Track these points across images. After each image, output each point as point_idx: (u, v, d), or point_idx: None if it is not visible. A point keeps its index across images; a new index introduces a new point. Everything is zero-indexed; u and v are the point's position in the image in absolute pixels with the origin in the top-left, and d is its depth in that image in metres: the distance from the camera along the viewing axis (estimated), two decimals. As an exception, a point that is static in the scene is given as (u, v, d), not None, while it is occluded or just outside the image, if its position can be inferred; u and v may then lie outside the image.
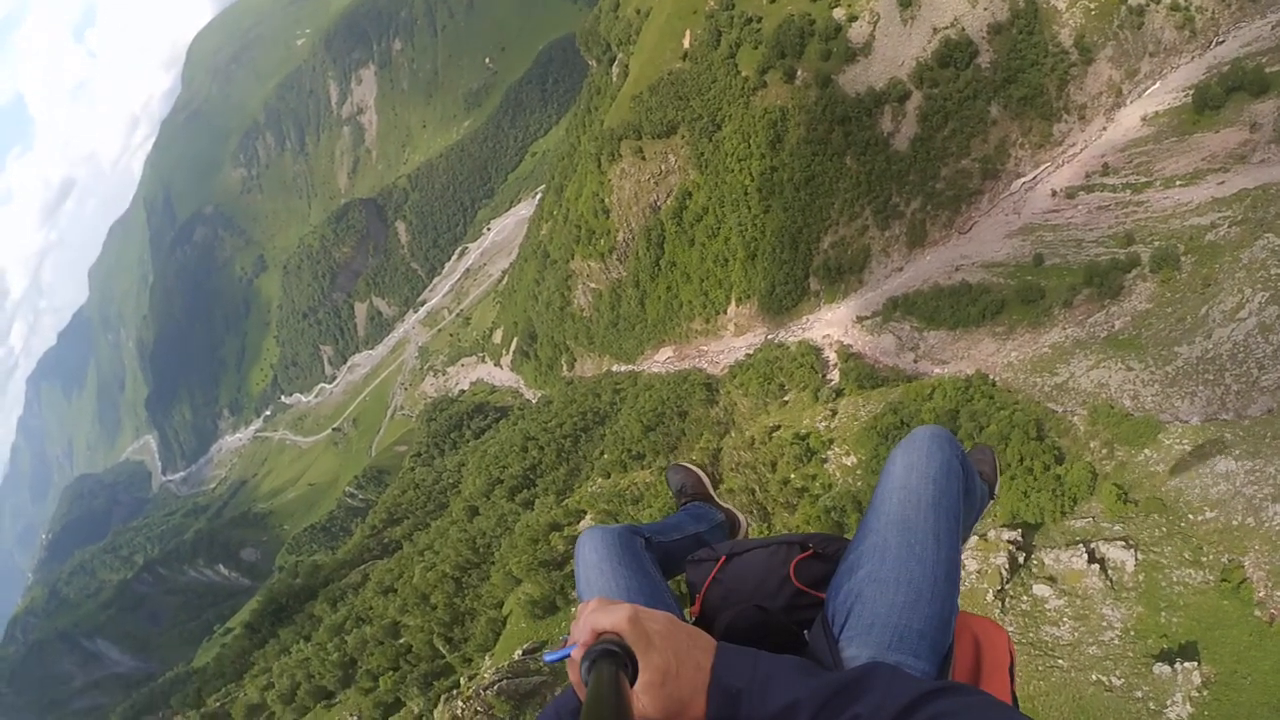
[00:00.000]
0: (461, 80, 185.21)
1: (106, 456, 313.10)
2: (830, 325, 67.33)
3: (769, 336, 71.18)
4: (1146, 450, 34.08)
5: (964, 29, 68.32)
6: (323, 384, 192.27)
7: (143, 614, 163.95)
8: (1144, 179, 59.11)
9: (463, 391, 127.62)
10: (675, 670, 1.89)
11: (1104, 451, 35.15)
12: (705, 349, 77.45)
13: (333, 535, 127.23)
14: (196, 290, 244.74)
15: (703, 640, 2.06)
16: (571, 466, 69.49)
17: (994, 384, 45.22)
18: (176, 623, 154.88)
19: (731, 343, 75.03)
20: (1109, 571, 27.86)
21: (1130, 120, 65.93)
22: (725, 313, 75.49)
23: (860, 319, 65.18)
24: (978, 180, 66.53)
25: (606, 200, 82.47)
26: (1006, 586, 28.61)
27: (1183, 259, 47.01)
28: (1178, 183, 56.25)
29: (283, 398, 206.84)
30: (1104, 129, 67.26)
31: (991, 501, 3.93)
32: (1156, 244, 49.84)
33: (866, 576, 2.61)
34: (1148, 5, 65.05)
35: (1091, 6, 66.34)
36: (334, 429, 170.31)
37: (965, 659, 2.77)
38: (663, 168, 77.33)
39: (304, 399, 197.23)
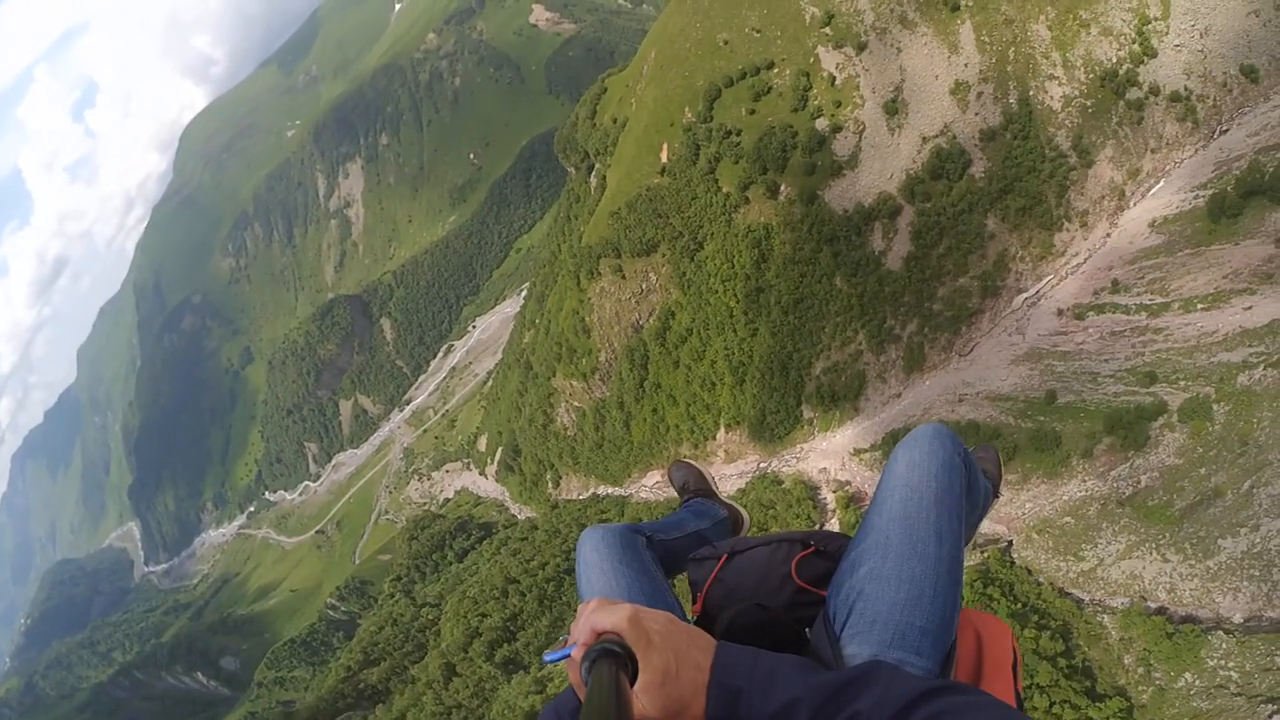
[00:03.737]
0: (447, 175, 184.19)
1: (90, 540, 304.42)
2: (826, 456, 62.65)
3: (761, 465, 66.60)
4: (1187, 674, 29.21)
5: (955, 137, 65.21)
6: (307, 481, 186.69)
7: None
8: (1160, 299, 54.72)
9: (447, 500, 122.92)
10: (675, 670, 1.90)
11: (1140, 671, 30.43)
12: (695, 475, 72.35)
13: (313, 650, 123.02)
14: (183, 378, 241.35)
15: (702, 640, 2.07)
16: (555, 616, 63.90)
17: (1013, 564, 40.02)
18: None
19: (723, 469, 70.05)
20: None
21: (1137, 225, 62.09)
22: (714, 438, 70.76)
23: (858, 451, 60.55)
24: (977, 299, 62.53)
25: (587, 319, 78.46)
26: None
27: (1215, 407, 42.30)
28: (1199, 305, 51.79)
29: (267, 494, 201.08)
30: (1107, 235, 63.55)
31: (995, 500, 3.72)
32: (1183, 384, 45.25)
33: (868, 574, 2.56)
34: (1147, 99, 61.57)
35: (1088, 104, 63.01)
36: (317, 531, 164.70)
37: (967, 656, 2.69)
38: (644, 287, 73.47)
39: (288, 496, 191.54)
